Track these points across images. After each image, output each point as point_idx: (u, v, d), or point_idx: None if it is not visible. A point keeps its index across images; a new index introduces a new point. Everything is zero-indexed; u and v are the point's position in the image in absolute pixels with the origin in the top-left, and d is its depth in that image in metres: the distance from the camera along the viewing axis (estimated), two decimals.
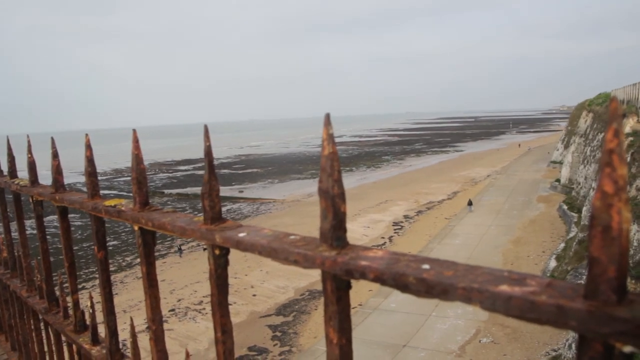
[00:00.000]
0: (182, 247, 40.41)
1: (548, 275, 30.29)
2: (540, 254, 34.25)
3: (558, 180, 56.33)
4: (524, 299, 0.63)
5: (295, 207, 55.49)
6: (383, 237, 41.16)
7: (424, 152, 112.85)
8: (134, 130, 1.33)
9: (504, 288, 0.65)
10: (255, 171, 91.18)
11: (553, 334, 22.61)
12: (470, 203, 49.59)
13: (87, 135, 1.59)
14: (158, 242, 37.52)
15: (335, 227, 0.86)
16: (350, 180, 71.08)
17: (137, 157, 1.33)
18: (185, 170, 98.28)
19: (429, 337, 23.40)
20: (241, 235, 1.00)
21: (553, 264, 30.87)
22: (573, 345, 20.63)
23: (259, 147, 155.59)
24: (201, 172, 75.22)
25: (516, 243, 37.15)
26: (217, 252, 1.08)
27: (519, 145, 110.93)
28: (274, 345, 23.98)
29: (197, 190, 65.95)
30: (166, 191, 72.35)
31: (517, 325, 23.21)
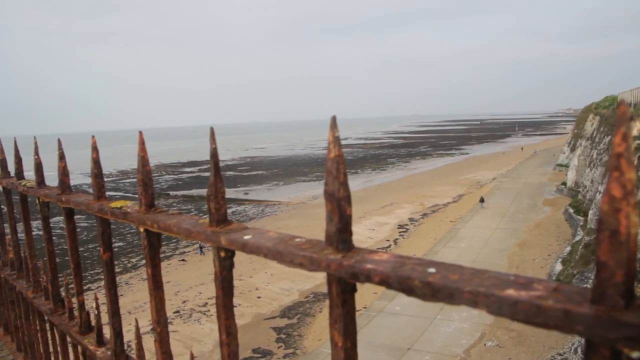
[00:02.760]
0: (202, 246, 40.35)
1: (554, 279, 30.17)
2: (546, 258, 34.11)
3: (564, 184, 56.10)
4: (530, 304, 0.62)
5: (300, 210, 55.49)
6: (388, 240, 41.08)
7: (429, 155, 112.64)
8: (140, 132, 1.33)
9: (511, 292, 0.65)
10: (261, 173, 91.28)
11: (559, 338, 22.49)
12: (482, 200, 51.30)
13: (93, 137, 1.59)
14: (163, 243, 37.53)
15: (340, 230, 0.86)
16: (356, 183, 71.02)
17: (143, 159, 1.33)
18: (191, 172, 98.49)
19: (434, 341, 23.33)
20: (247, 237, 1.00)
21: (559, 267, 30.74)
22: (579, 350, 20.51)
23: (264, 150, 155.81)
24: (206, 174, 75.09)
25: (522, 246, 37.01)
26: (222, 254, 1.08)
27: (522, 148, 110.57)
28: (279, 348, 23.97)
29: (203, 192, 66.08)
30: (172, 193, 72.53)
31: (523, 329, 23.12)
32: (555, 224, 42.59)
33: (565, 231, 39.81)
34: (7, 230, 2.71)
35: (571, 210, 43.41)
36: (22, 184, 2.28)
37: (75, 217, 1.91)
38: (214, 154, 1.06)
